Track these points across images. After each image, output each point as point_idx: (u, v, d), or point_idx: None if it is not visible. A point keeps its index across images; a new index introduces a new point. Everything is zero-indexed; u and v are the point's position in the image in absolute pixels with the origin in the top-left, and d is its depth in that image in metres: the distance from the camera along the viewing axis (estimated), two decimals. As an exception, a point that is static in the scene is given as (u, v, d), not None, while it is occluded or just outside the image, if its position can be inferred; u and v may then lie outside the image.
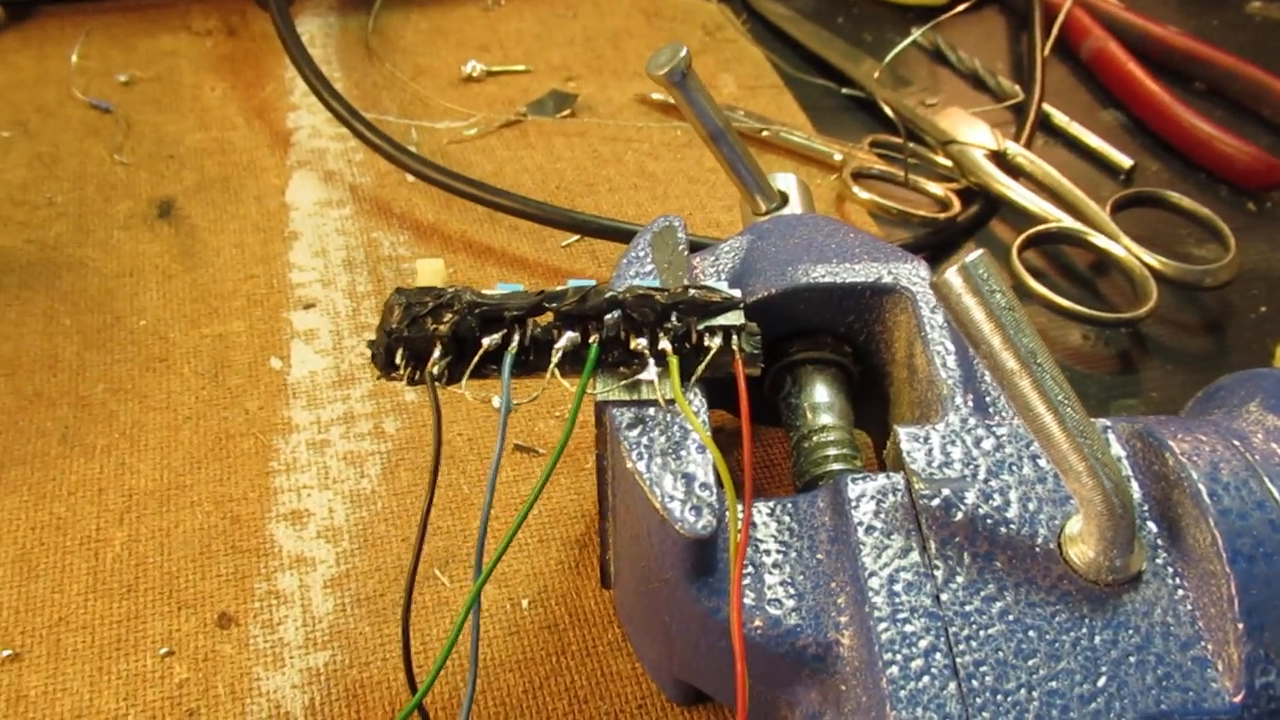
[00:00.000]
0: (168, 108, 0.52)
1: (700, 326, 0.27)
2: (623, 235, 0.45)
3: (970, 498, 0.26)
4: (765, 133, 0.53)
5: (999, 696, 0.23)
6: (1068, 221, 0.47)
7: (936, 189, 0.50)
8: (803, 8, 0.64)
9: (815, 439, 0.31)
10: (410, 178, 0.49)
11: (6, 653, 0.32)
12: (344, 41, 0.58)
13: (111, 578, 0.34)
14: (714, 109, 0.35)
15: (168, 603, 0.33)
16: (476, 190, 0.46)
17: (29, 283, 0.43)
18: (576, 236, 0.47)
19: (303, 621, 0.33)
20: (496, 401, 0.38)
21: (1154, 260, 0.45)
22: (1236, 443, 0.26)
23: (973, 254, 0.23)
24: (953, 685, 0.23)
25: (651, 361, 0.27)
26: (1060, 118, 0.56)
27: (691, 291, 0.27)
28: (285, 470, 0.37)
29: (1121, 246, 0.46)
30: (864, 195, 0.49)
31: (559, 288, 0.27)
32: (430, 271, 0.28)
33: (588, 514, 0.37)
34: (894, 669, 0.23)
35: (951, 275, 0.23)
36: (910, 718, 0.22)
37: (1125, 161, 0.53)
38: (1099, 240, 0.46)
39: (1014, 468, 0.27)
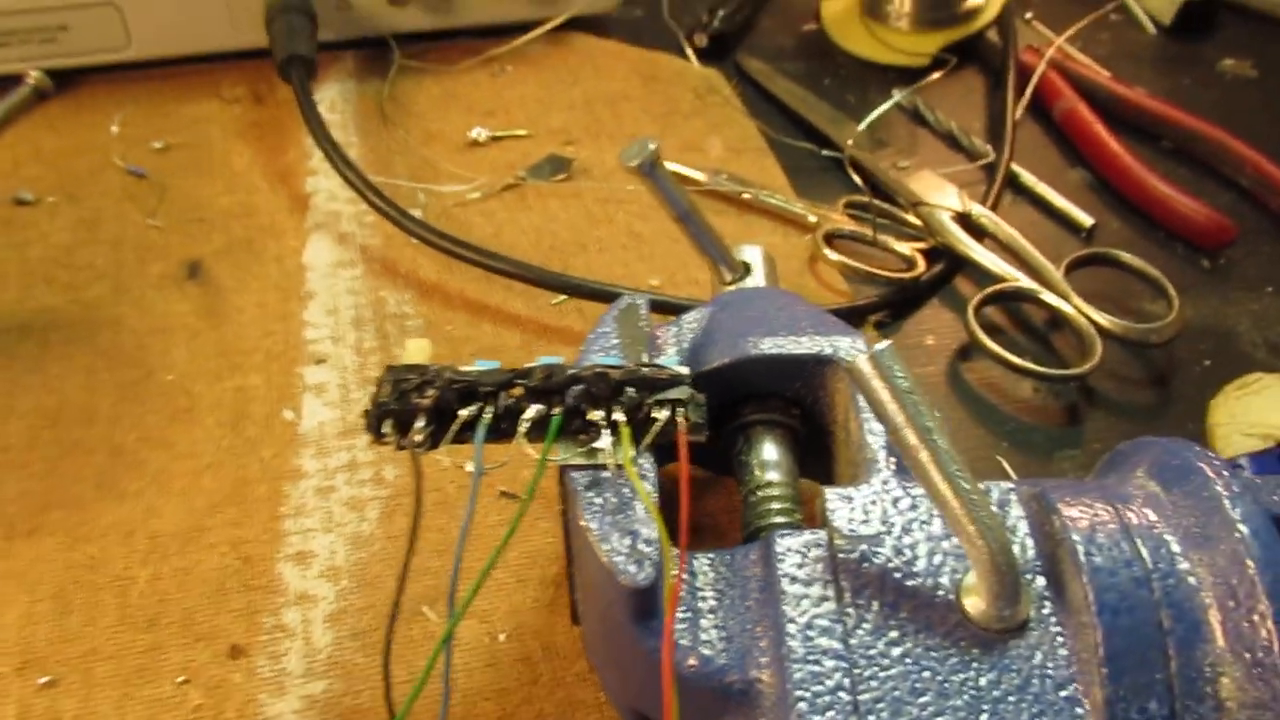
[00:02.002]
0: (199, 173, 0.57)
1: (650, 400, 0.31)
2: (606, 296, 0.49)
3: (884, 552, 0.29)
4: (746, 195, 0.57)
5: (893, 730, 0.26)
6: (1024, 281, 0.51)
7: (904, 248, 0.54)
8: (790, 69, 0.68)
9: (760, 494, 0.35)
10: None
11: (45, 679, 0.36)
12: (361, 107, 0.63)
13: (137, 613, 0.38)
14: (680, 193, 0.39)
15: (185, 635, 0.37)
16: (472, 254, 0.50)
17: (72, 340, 0.48)
18: (565, 296, 0.51)
19: (304, 653, 0.37)
20: (469, 466, 0.42)
21: (1102, 318, 0.49)
22: (1119, 505, 0.29)
23: (881, 344, 0.27)
24: (854, 719, 0.26)
25: (605, 431, 0.30)
26: (1028, 177, 0.60)
27: (643, 370, 0.31)
28: (294, 514, 0.41)
29: (1071, 305, 0.49)
30: (834, 256, 0.53)
31: (529, 365, 0.31)
32: (417, 350, 0.32)
33: (562, 555, 0.40)
34: (803, 704, 0.27)
35: (862, 362, 0.27)
36: (815, 748, 0.26)
37: (1086, 220, 0.56)
38: (1050, 299, 0.49)
39: (924, 525, 0.30)
